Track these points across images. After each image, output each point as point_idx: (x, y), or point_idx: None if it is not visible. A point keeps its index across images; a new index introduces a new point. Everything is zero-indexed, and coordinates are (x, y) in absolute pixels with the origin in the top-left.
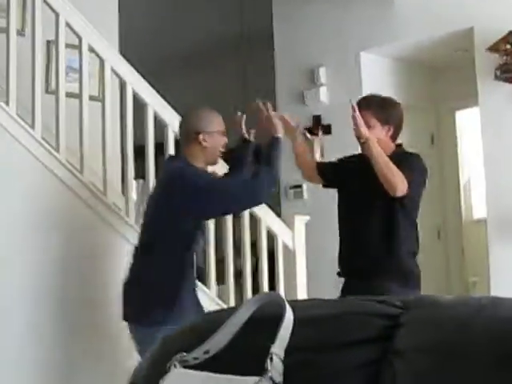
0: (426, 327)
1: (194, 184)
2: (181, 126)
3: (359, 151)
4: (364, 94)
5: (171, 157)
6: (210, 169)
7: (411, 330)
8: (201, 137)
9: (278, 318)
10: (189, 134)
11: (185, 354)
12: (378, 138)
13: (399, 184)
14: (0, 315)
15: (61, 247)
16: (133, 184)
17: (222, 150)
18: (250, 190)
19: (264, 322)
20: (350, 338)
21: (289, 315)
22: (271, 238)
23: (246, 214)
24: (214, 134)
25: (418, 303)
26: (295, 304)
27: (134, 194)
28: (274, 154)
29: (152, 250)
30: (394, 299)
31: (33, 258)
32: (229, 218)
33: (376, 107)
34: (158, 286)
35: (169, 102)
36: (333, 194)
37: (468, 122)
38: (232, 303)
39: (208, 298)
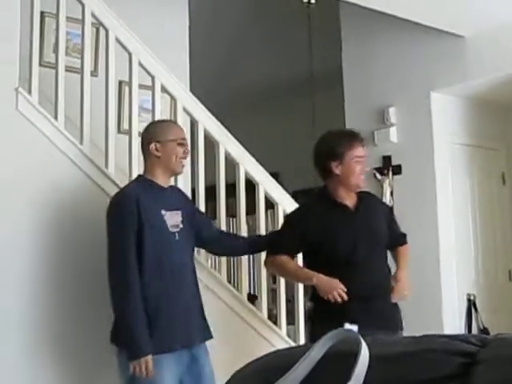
0: (504, 365)
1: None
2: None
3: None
4: (434, 134)
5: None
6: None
7: (489, 368)
8: (152, 146)
9: (354, 355)
10: (143, 146)
11: None
12: None
13: None
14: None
15: None
16: None
17: (182, 159)
18: None
19: (339, 359)
20: (427, 376)
21: (364, 352)
22: None
23: None
24: (168, 143)
25: (495, 341)
26: (371, 341)
27: None
28: None
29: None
30: (470, 336)
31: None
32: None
33: None
34: None
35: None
36: None
37: None
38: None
39: (279, 337)
